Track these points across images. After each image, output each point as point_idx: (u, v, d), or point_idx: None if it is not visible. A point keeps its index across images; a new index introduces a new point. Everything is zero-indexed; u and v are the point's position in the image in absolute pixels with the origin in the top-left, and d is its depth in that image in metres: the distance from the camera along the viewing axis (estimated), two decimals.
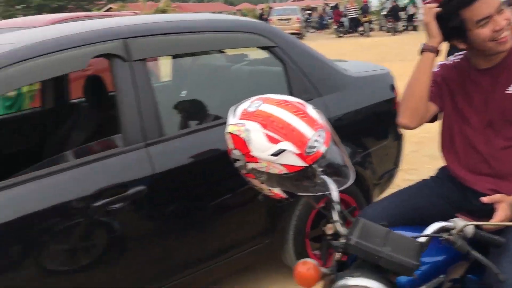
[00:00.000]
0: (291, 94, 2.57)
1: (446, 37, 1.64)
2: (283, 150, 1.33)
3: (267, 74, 2.93)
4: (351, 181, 1.47)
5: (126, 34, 2.09)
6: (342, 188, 1.46)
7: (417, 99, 1.67)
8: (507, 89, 1.62)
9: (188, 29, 2.33)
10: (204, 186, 2.24)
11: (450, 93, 1.74)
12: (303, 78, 2.60)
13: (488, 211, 1.53)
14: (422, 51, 1.66)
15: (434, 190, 1.82)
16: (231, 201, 2.35)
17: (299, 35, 22.49)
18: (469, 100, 1.71)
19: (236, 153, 1.38)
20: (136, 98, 2.02)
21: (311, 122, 1.39)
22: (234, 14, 50.91)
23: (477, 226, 1.37)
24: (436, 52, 1.66)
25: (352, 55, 14.40)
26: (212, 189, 2.27)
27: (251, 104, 1.43)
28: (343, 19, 22.47)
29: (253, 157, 1.35)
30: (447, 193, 1.79)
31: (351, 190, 2.76)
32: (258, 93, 2.89)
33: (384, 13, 23.88)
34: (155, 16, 3.28)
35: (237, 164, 1.42)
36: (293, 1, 61.10)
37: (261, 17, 28.03)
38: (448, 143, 1.79)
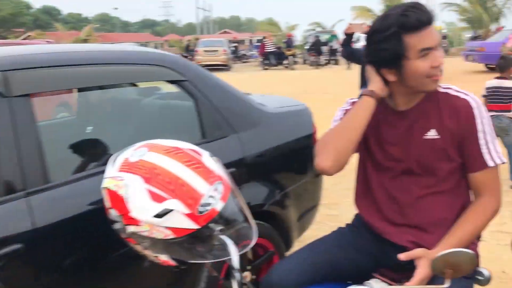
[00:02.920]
0: (203, 131, 2.39)
1: (377, 64, 1.51)
2: (170, 210, 1.11)
3: (179, 109, 2.72)
4: (253, 241, 1.28)
5: (6, 66, 1.81)
6: (243, 251, 1.26)
7: (346, 144, 1.50)
8: (425, 135, 1.53)
9: (84, 61, 2.07)
10: (99, 241, 1.87)
11: (363, 135, 1.62)
12: (216, 114, 2.42)
13: (411, 267, 1.39)
14: (361, 95, 1.53)
15: (350, 242, 1.67)
16: (130, 255, 2.05)
17: (225, 66, 22.63)
18: (384, 144, 1.60)
19: (113, 213, 1.14)
20: (15, 139, 1.72)
21: (206, 174, 1.20)
22: (161, 44, 50.54)
23: None
24: (377, 98, 1.51)
25: (277, 87, 14.60)
26: (107, 244, 1.88)
27: (134, 152, 1.21)
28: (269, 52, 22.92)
29: (132, 218, 1.12)
30: (365, 245, 1.65)
31: (268, 233, 2.58)
32: (167, 131, 2.64)
33: (307, 47, 24.72)
34: (46, 46, 2.97)
35: (116, 226, 1.18)
36: (220, 33, 61.98)
37: (187, 48, 27.95)
38: (363, 190, 1.67)
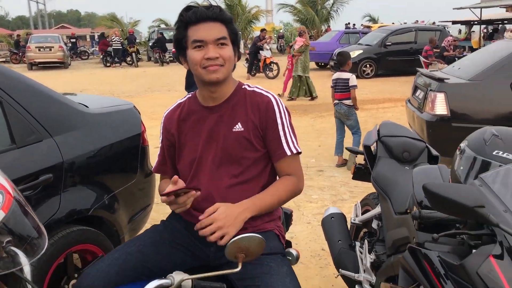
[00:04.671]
0: (11, 136, 2.20)
1: (177, 52, 1.68)
2: None
3: None
4: (43, 250, 1.22)
5: None
6: (33, 260, 1.20)
7: None
8: (234, 128, 1.65)
9: None
10: None
11: (178, 141, 1.74)
12: (27, 117, 2.25)
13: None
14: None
15: (165, 238, 1.70)
16: None
17: (62, 64, 21.09)
18: (197, 138, 1.69)
19: None
20: None
21: None
22: None
23: (199, 278, 1.29)
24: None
25: (119, 85, 14.10)
26: None
27: None
28: (110, 48, 21.96)
29: None
30: (180, 240, 1.69)
31: (95, 238, 2.50)
32: None
33: (150, 43, 24.30)
34: None
35: None
36: (57, 28, 57.46)
37: (17, 44, 25.35)
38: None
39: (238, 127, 1.65)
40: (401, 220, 2.02)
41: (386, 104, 10.22)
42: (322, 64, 18.06)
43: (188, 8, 1.61)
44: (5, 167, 2.13)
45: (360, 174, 2.81)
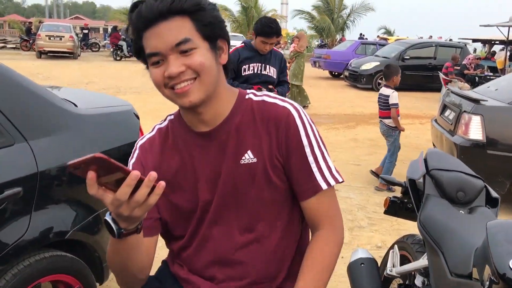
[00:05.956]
0: None
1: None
2: None
3: None
4: None
5: None
6: None
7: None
8: (242, 159, 1.17)
9: None
10: None
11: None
12: None
13: None
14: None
15: None
16: None
17: (71, 54, 20.74)
18: (191, 180, 1.20)
19: None
20: None
21: None
22: (1, 25, 44.84)
23: None
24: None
25: (128, 79, 13.67)
26: None
27: None
28: (121, 42, 21.58)
29: None
30: None
31: (71, 267, 2.05)
32: None
33: None
34: None
35: None
36: (71, 18, 57.45)
37: (29, 31, 25.06)
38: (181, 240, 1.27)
39: (248, 157, 1.17)
40: (461, 285, 1.56)
41: (403, 121, 9.73)
42: (336, 73, 17.59)
43: (134, 6, 1.10)
44: None
45: (395, 209, 2.33)
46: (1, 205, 1.76)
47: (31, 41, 23.64)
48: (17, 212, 1.85)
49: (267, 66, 3.99)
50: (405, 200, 2.26)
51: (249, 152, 1.17)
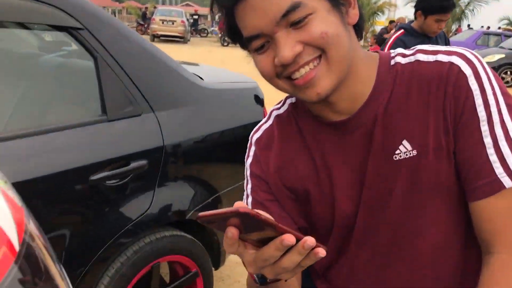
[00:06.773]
0: (103, 103, 1.66)
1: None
2: None
3: (77, 72, 1.97)
4: None
5: None
6: None
7: None
8: (395, 154, 0.85)
9: None
10: None
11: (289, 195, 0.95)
12: (126, 83, 1.70)
13: None
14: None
15: None
16: None
17: (182, 39, 21.53)
18: (328, 187, 0.90)
19: None
20: None
21: None
22: (120, 11, 48.07)
23: None
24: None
25: (237, 66, 13.78)
26: None
27: None
28: None
29: None
30: None
31: (189, 248, 1.93)
32: (56, 99, 1.89)
33: None
34: None
35: None
36: (182, 5, 59.96)
37: (144, 16, 26.53)
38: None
39: (405, 149, 0.84)
40: None
41: None
42: None
43: None
44: (89, 146, 1.62)
45: None
46: (126, 178, 1.66)
47: (146, 25, 24.96)
48: (141, 187, 1.74)
49: None
50: None
51: (404, 142, 0.84)
